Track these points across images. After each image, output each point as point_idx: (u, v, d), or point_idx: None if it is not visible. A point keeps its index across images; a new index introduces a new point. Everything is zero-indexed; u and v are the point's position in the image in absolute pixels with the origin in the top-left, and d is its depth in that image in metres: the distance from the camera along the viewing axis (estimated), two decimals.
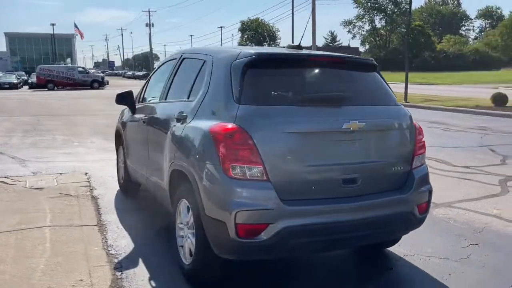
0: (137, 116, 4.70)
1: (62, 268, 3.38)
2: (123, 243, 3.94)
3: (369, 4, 75.11)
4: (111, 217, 4.64)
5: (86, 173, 6.58)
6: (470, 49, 76.45)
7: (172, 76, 4.05)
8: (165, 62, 4.66)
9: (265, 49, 3.44)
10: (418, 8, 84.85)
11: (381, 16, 76.17)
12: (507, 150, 8.58)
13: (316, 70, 3.11)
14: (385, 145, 3.11)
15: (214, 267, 3.01)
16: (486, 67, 67.32)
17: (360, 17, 76.82)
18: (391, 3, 74.57)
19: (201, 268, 3.01)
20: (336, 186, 2.88)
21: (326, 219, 2.77)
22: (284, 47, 3.67)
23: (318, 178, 2.85)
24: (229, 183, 2.69)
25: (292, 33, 32.27)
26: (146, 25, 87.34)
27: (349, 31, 79.95)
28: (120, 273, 3.34)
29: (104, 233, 4.17)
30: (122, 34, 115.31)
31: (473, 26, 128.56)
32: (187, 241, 3.20)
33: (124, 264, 3.50)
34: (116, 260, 3.58)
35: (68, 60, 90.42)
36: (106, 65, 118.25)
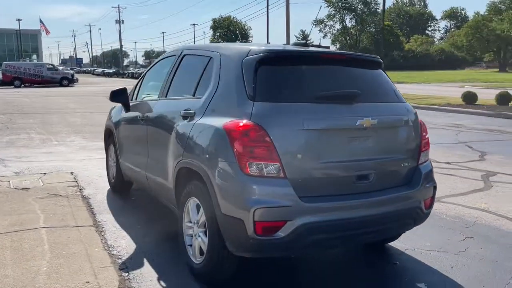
0: (132, 114, 4.61)
1: (66, 270, 3.28)
2: (124, 243, 3.86)
3: (339, 3, 76.09)
4: (106, 217, 4.54)
5: (71, 173, 6.41)
6: (437, 49, 78.72)
7: (172, 73, 3.99)
8: (162, 59, 4.58)
9: (274, 46, 3.43)
10: (387, 8, 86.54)
11: (352, 16, 77.31)
12: (483, 146, 8.89)
13: (328, 67, 3.14)
14: (395, 142, 3.18)
15: (227, 266, 2.99)
16: (451, 67, 69.50)
17: (331, 16, 77.75)
18: (361, 3, 75.81)
19: (214, 267, 2.99)
20: (350, 183, 2.92)
21: (342, 216, 2.81)
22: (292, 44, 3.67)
23: (333, 174, 2.88)
24: (246, 180, 2.68)
25: (267, 31, 32.36)
26: (116, 21, 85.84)
27: (320, 30, 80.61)
28: (126, 274, 3.28)
29: (102, 234, 4.08)
30: (90, 31, 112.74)
31: (439, 27, 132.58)
32: (197, 240, 3.17)
33: (129, 265, 3.43)
34: (119, 261, 3.51)
35: (34, 56, 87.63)
36: (74, 62, 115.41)
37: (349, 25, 78.93)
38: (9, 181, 5.84)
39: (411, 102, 18.47)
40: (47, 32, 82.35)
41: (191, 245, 3.29)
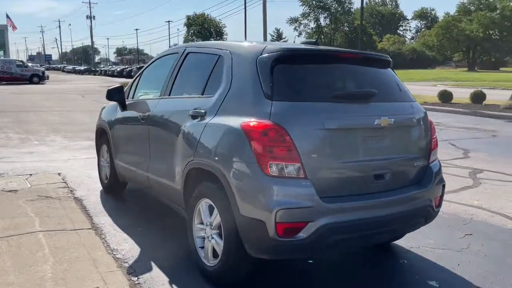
0: (130, 113, 4.48)
1: (72, 275, 3.16)
2: (127, 246, 3.75)
3: (314, 2, 76.68)
4: (104, 219, 4.41)
5: (59, 174, 6.21)
6: (408, 49, 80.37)
7: (175, 72, 3.89)
8: (161, 57, 4.48)
9: (288, 44, 3.39)
10: (360, 8, 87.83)
11: (326, 14, 78.02)
12: (465, 144, 9.11)
13: (343, 66, 3.12)
14: (408, 141, 3.20)
15: (243, 268, 2.95)
16: (422, 66, 71.03)
17: (306, 15, 78.30)
18: (335, 2, 76.59)
19: (230, 269, 2.93)
20: (368, 182, 2.92)
21: (362, 215, 2.80)
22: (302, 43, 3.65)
23: (352, 174, 2.87)
24: (267, 181, 2.64)
25: (245, 29, 32.28)
26: (87, 17, 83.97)
27: (295, 29, 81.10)
28: (136, 278, 3.18)
29: (103, 237, 3.95)
30: (59, 26, 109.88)
31: (410, 27, 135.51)
32: (210, 242, 3.10)
33: (137, 269, 3.33)
34: (126, 265, 3.40)
35: (1, 53, 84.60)
36: (42, 59, 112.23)
37: (323, 24, 79.68)
38: None
39: None
40: (14, 28, 79.65)
41: (202, 247, 3.22)
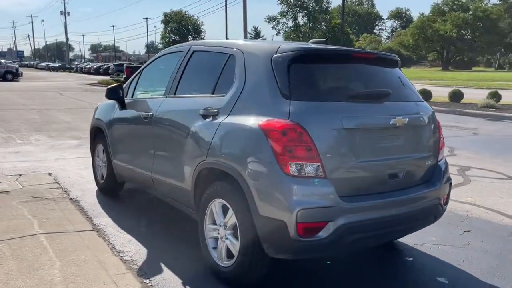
0: (130, 112, 4.40)
1: (82, 279, 3.09)
2: (133, 248, 3.69)
3: (292, 1, 76.93)
4: (104, 221, 4.32)
5: (49, 174, 6.06)
6: (385, 48, 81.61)
7: (180, 70, 3.84)
8: (163, 56, 4.40)
9: (302, 44, 3.39)
10: (337, 7, 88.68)
11: (304, 13, 78.41)
12: (449, 142, 9.27)
13: (357, 66, 3.14)
14: (419, 140, 3.24)
15: (260, 268, 2.94)
16: None
17: (284, 13, 78.48)
18: (313, 1, 77.05)
19: (246, 269, 2.92)
20: (383, 181, 2.95)
21: (379, 214, 2.83)
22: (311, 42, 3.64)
23: (369, 173, 2.89)
24: (288, 181, 2.64)
25: (226, 27, 32.13)
26: (61, 13, 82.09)
27: (273, 27, 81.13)
28: (148, 281, 3.13)
29: (107, 238, 3.88)
30: (32, 22, 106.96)
31: (385, 26, 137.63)
32: (224, 243, 3.08)
33: (147, 271, 3.28)
34: (135, 267, 3.35)
35: None
36: (14, 55, 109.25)
37: (301, 22, 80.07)
38: None
39: None
40: None
41: (215, 248, 3.20)
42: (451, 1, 74.17)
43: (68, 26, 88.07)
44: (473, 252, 3.82)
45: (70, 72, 65.32)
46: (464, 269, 3.49)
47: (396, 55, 3.49)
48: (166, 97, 3.90)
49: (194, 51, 3.82)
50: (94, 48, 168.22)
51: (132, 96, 4.59)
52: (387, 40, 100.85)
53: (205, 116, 3.26)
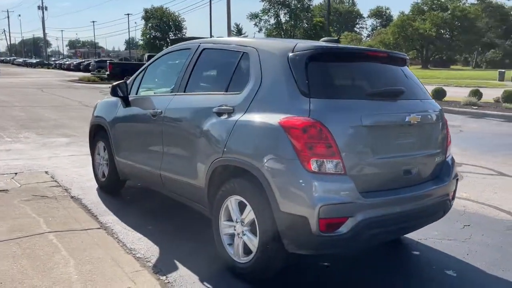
0: (136, 109, 4.39)
1: (99, 276, 3.09)
2: (144, 245, 3.69)
3: None
4: (111, 218, 4.30)
5: (46, 172, 5.97)
6: (366, 46, 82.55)
7: (190, 68, 3.84)
8: (169, 53, 4.39)
9: (317, 43, 3.43)
10: (318, 5, 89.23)
11: (286, 11, 78.62)
12: None
13: (372, 64, 3.21)
14: (430, 137, 3.34)
15: (278, 263, 2.98)
16: None
17: (266, 11, 78.54)
18: None
19: (265, 265, 2.96)
20: (398, 177, 3.03)
21: (395, 210, 2.91)
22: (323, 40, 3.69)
23: (386, 170, 2.97)
24: (310, 178, 2.68)
25: (210, 24, 31.98)
26: (39, 7, 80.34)
27: (255, 24, 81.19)
28: (165, 278, 3.15)
29: (116, 236, 3.86)
30: (8, 17, 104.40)
31: (366, 24, 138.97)
32: (241, 239, 3.11)
33: (162, 268, 3.29)
34: (150, 264, 3.35)
35: None
36: None
37: (283, 20, 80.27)
38: None
39: None
40: None
41: (230, 244, 3.23)
42: (430, 0, 75.48)
43: (46, 21, 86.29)
44: (476, 245, 3.94)
45: (48, 68, 64.06)
46: (469, 262, 3.61)
47: (405, 54, 3.57)
48: (175, 94, 3.90)
49: (203, 49, 3.83)
50: (72, 44, 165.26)
51: (136, 94, 4.57)
52: (367, 38, 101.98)
53: (219, 114, 3.28)
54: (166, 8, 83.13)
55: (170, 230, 4.09)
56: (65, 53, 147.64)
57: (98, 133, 5.19)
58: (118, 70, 26.32)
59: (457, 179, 3.57)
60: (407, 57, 3.54)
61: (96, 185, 5.35)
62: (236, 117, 3.14)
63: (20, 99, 17.01)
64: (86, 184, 5.45)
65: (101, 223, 4.18)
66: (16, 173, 5.85)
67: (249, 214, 3.03)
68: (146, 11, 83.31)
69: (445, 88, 19.43)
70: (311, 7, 79.53)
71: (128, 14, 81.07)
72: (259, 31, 79.98)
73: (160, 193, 4.35)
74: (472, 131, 11.21)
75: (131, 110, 4.47)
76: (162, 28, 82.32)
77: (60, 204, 4.64)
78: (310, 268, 3.41)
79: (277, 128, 2.81)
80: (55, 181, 5.57)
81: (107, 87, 25.52)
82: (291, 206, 2.73)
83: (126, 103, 4.53)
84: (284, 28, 79.59)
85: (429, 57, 74.76)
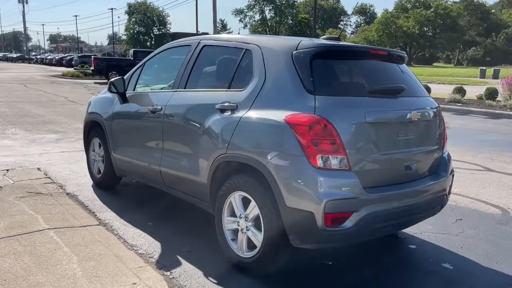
0: (134, 105, 4.37)
1: (103, 273, 3.09)
2: (145, 241, 3.70)
3: None
4: (109, 215, 4.30)
5: (38, 169, 5.91)
6: (350, 43, 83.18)
7: (190, 64, 3.85)
8: (168, 49, 4.38)
9: (320, 41, 3.47)
10: (303, 1, 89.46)
11: (271, 7, 78.66)
12: None
13: (373, 62, 3.28)
14: (429, 133, 3.42)
15: (282, 258, 3.03)
16: None
17: (251, 7, 78.49)
18: None
19: (270, 259, 3.01)
20: (400, 173, 3.11)
21: (397, 204, 2.99)
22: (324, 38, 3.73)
23: (388, 165, 3.04)
24: (316, 173, 2.73)
25: (196, 19, 31.81)
26: (19, 1, 78.68)
27: (240, 20, 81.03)
28: (169, 273, 3.17)
29: (116, 233, 3.86)
30: None
31: (350, 22, 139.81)
32: (245, 234, 3.15)
33: (166, 264, 3.31)
34: (153, 260, 3.37)
35: None
36: None
37: (268, 16, 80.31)
38: None
39: None
40: None
41: (233, 240, 3.27)
42: None
43: (27, 15, 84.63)
44: (469, 239, 4.06)
45: (29, 63, 62.97)
46: (464, 255, 3.72)
47: (404, 52, 3.64)
48: (175, 91, 3.90)
49: (204, 45, 3.84)
50: (54, 39, 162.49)
51: (133, 90, 4.55)
52: (351, 35, 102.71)
53: (222, 111, 3.31)
54: (150, 3, 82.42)
55: (169, 225, 4.10)
56: (46, 47, 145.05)
57: (93, 129, 5.16)
58: (103, 66, 26.01)
59: (453, 175, 3.67)
60: (406, 55, 3.62)
61: (91, 182, 5.33)
62: (240, 113, 3.17)
63: (3, 94, 16.69)
64: (80, 181, 5.42)
65: (100, 219, 4.17)
66: (7, 170, 5.78)
67: (254, 210, 3.06)
68: (129, 5, 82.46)
69: (429, 85, 19.76)
70: (296, 3, 79.75)
71: (112, 9, 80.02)
72: (244, 27, 79.93)
73: (157, 189, 4.35)
74: (457, 127, 11.44)
75: (129, 106, 4.46)
76: (146, 23, 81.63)
77: (57, 201, 4.61)
78: (298, 262, 3.47)
79: (282, 125, 2.85)
80: (49, 177, 5.52)
81: (91, 82, 25.35)
82: (297, 202, 2.78)
83: (124, 99, 4.51)
84: (269, 24, 79.60)
85: (412, 54, 75.71)
